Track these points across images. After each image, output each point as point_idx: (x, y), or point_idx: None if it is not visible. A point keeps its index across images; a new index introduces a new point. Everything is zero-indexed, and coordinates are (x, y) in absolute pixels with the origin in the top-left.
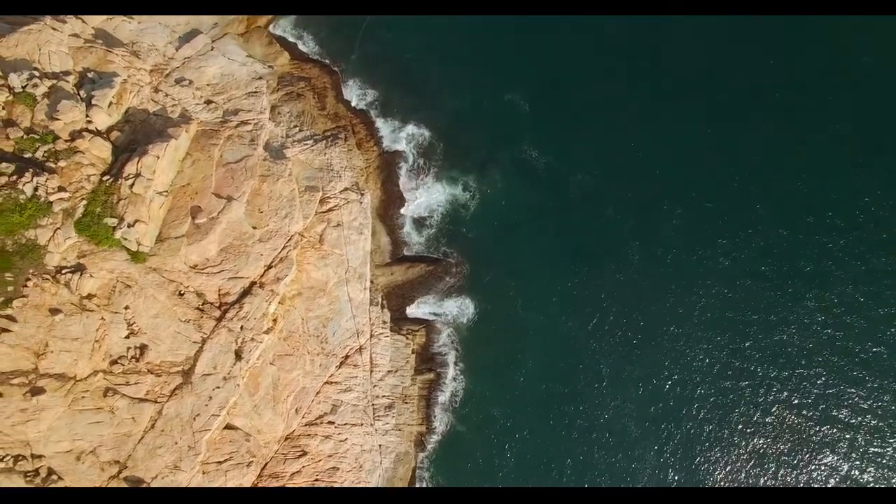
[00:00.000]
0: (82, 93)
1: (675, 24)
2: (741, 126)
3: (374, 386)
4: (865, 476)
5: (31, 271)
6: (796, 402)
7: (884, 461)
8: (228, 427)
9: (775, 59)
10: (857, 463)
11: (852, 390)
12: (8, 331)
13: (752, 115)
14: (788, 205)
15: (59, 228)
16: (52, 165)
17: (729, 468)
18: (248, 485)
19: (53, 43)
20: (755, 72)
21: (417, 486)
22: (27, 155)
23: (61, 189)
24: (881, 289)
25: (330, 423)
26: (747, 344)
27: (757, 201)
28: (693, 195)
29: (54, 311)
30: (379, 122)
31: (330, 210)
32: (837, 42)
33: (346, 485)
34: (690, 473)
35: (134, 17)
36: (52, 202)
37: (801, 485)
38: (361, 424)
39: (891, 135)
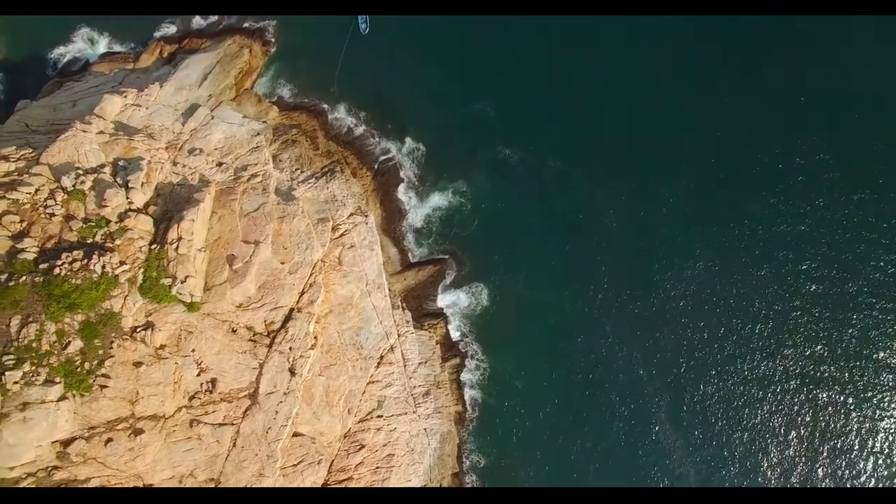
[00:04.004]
0: (119, 179)
1: (616, 22)
2: (683, 102)
3: (410, 378)
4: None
5: (112, 335)
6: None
7: None
8: (296, 434)
9: (718, 46)
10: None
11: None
12: (106, 386)
13: (694, 91)
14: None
15: (127, 296)
16: (111, 245)
17: (729, 415)
18: (321, 480)
19: (86, 143)
20: (697, 55)
21: (464, 460)
22: (89, 241)
23: (122, 263)
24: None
25: (379, 416)
26: (718, 284)
27: (711, 158)
28: (652, 163)
29: (137, 364)
30: (367, 150)
31: (342, 235)
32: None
33: (402, 468)
34: (695, 414)
35: (141, 103)
36: (117, 275)
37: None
38: (406, 413)
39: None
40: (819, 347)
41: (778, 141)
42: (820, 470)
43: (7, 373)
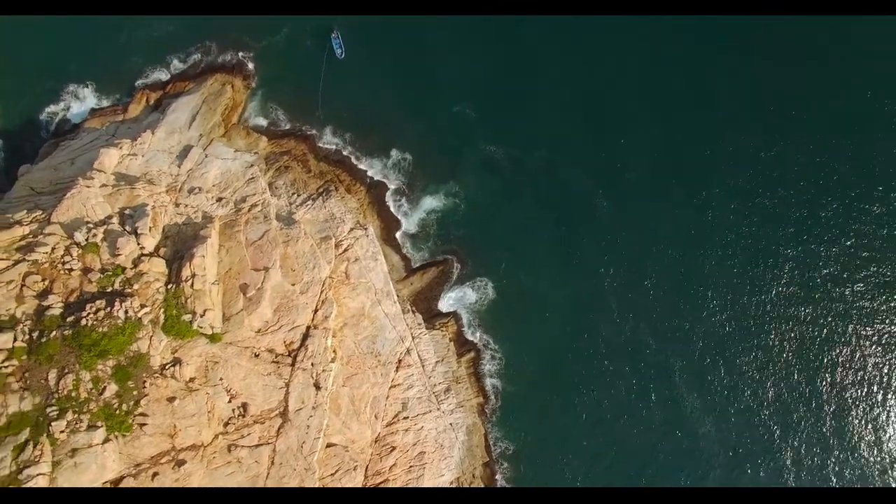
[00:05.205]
0: (127, 227)
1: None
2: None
3: (430, 377)
4: None
5: (144, 375)
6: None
7: None
8: (329, 445)
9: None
10: None
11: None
12: (145, 424)
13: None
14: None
15: (152, 336)
16: (130, 290)
17: (737, 371)
18: (359, 486)
19: (92, 197)
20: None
21: (493, 448)
22: (109, 289)
23: (143, 306)
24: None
25: (405, 418)
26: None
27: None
28: (636, 144)
29: (171, 399)
30: (357, 166)
31: (345, 250)
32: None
33: (434, 464)
34: (705, 377)
35: (137, 151)
36: (140, 318)
37: None
38: (430, 411)
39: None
40: (820, 311)
41: (761, 122)
42: (830, 429)
43: (53, 423)
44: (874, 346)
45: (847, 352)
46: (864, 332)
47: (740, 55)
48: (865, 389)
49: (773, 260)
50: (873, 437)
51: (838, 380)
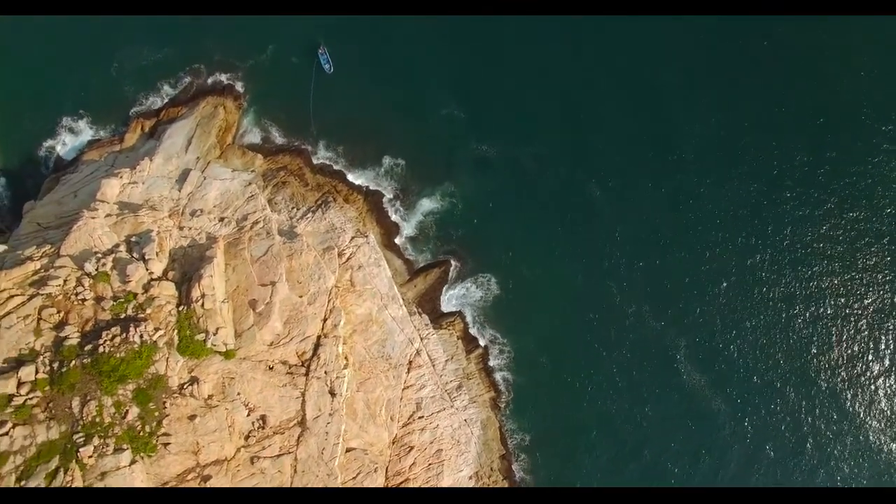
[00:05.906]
0: (135, 254)
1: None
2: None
3: (441, 376)
4: None
5: (164, 396)
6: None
7: None
8: (349, 450)
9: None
10: None
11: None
12: (169, 443)
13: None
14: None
15: (168, 357)
16: (143, 315)
17: (742, 346)
18: (381, 486)
19: (98, 228)
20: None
21: (508, 441)
22: (122, 315)
23: (157, 329)
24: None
25: (420, 417)
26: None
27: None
28: (623, 133)
29: (192, 417)
30: (352, 176)
31: (348, 259)
32: None
33: (452, 460)
34: (712, 352)
35: (137, 179)
36: (155, 341)
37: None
38: (444, 409)
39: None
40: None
41: (748, 106)
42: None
43: (80, 449)
44: (883, 315)
45: (852, 322)
46: (872, 303)
47: (726, 44)
48: (878, 356)
49: (773, 232)
50: (887, 404)
51: (847, 350)
